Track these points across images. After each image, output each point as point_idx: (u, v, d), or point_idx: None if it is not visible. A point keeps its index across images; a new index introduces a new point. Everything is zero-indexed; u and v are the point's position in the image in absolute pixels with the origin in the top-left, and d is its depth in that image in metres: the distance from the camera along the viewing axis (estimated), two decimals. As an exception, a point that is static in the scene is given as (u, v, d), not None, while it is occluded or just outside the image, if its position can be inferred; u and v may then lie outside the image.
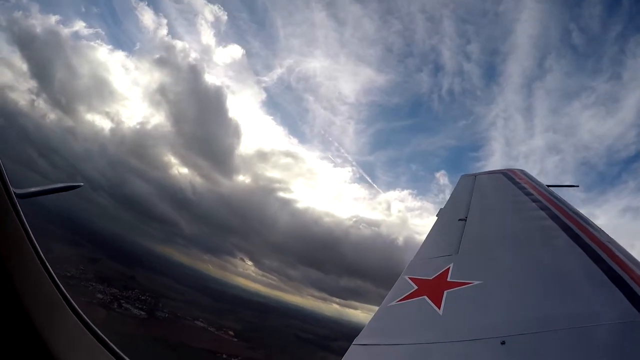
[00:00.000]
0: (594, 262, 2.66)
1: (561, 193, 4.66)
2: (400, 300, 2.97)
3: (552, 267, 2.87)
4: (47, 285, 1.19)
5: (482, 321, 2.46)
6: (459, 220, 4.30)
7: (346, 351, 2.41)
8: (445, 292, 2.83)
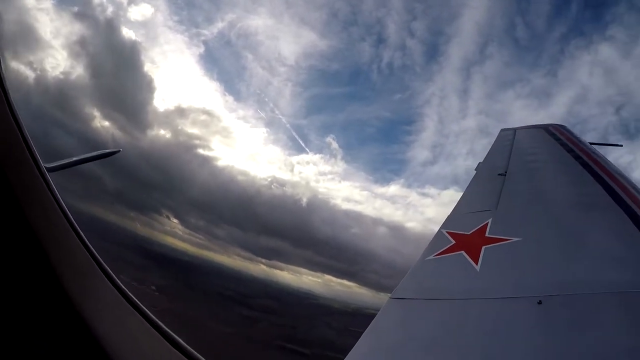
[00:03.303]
0: (636, 226, 2.60)
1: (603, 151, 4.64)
2: (438, 254, 2.92)
3: (593, 228, 2.82)
4: (83, 255, 1.22)
5: (520, 279, 2.44)
6: (499, 175, 4.21)
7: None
8: (483, 247, 2.79)
